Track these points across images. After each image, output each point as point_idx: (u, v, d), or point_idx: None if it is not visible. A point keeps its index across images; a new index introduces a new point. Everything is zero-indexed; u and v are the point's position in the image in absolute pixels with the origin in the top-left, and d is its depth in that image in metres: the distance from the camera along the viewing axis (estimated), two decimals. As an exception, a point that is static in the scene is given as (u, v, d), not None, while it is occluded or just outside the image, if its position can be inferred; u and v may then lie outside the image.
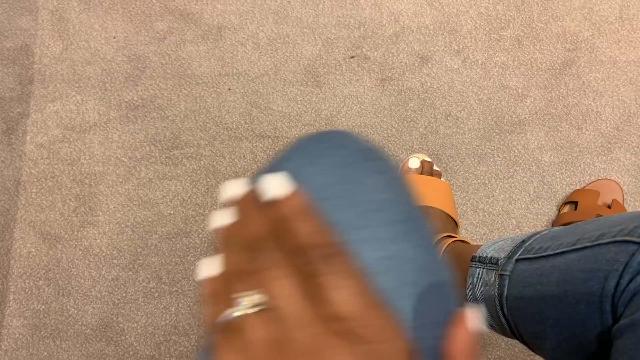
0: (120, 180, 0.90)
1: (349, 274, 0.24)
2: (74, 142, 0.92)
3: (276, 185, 0.26)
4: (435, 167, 0.86)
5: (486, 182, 0.88)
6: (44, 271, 0.87)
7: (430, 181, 0.82)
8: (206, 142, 0.91)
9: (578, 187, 0.86)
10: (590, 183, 0.86)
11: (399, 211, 0.28)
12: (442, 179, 0.85)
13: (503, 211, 0.87)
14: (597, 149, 0.89)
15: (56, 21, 0.98)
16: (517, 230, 0.86)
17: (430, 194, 0.81)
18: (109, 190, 0.90)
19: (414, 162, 0.84)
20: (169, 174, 0.90)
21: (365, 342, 0.22)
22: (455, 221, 0.81)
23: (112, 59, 0.96)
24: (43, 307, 0.86)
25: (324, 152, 0.28)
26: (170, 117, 0.92)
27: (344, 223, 0.26)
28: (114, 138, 0.92)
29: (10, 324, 0.85)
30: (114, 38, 0.97)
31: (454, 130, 0.90)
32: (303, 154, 0.28)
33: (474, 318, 0.26)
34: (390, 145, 0.89)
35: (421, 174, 0.83)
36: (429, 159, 0.85)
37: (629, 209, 0.86)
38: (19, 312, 0.85)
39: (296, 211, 0.25)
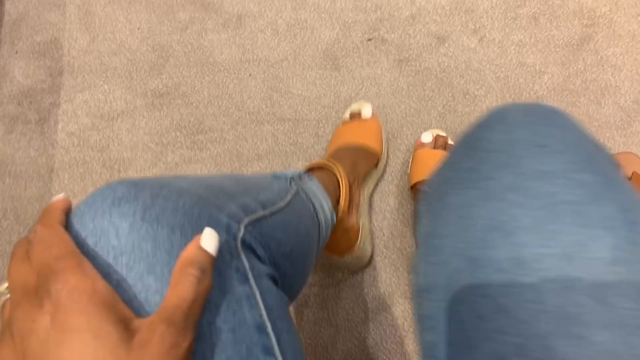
0: (148, 165, 0.93)
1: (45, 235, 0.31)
2: (103, 129, 0.96)
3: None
4: (450, 141, 0.87)
5: (505, 158, 0.89)
6: (77, 253, 0.91)
7: (439, 155, 0.83)
8: (229, 127, 0.94)
9: (598, 161, 0.87)
10: (610, 157, 0.86)
11: None
12: None
13: (522, 187, 0.88)
14: (617, 122, 0.89)
15: (83, 15, 1.02)
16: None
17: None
18: (137, 174, 0.93)
19: (426, 137, 0.86)
20: (194, 158, 0.93)
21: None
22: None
23: (137, 49, 0.99)
24: (78, 287, 0.89)
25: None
26: (194, 104, 0.95)
27: None
28: (141, 125, 0.95)
29: (48, 303, 0.89)
30: (138, 29, 1.00)
31: (472, 108, 0.91)
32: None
33: (205, 237, 0.32)
34: (408, 124, 0.91)
35: (434, 148, 0.84)
36: (443, 134, 0.86)
37: (650, 182, 0.86)
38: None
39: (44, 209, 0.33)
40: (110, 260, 0.31)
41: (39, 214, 0.34)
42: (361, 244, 0.79)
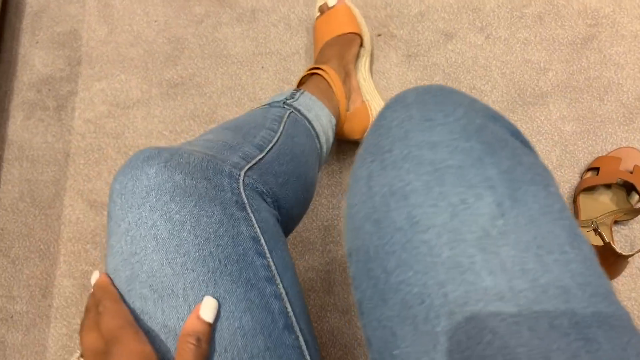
0: (162, 151, 0.96)
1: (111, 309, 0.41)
2: (118, 117, 0.98)
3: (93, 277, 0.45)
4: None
5: (509, 151, 0.91)
6: (91, 235, 0.93)
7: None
8: (241, 116, 0.96)
9: (600, 155, 0.89)
10: (612, 151, 0.88)
11: None
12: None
13: (526, 179, 0.90)
14: (619, 119, 0.91)
15: (102, 7, 1.05)
16: (540, 196, 0.89)
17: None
18: (151, 161, 0.96)
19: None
20: (207, 145, 0.95)
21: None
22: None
23: (154, 41, 1.02)
24: (90, 268, 0.92)
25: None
26: (207, 94, 0.98)
27: None
28: (156, 113, 0.98)
29: (61, 283, 0.91)
30: (155, 22, 1.03)
31: (478, 102, 0.93)
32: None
33: (204, 307, 0.40)
34: (416, 117, 0.93)
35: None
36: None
37: (651, 176, 0.88)
38: (68, 273, 0.91)
39: (97, 286, 0.44)
40: (144, 194, 0.44)
41: (94, 289, 0.44)
42: (375, 115, 0.85)
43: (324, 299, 0.86)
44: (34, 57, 1.03)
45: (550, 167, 0.90)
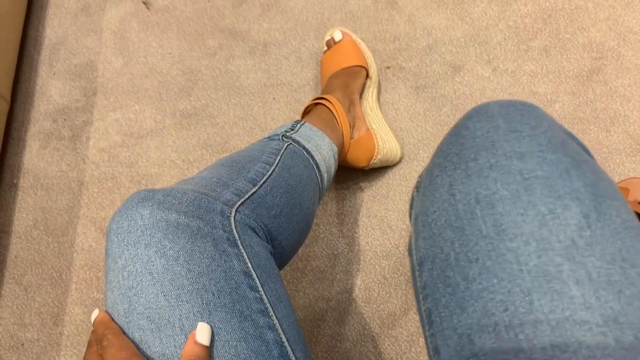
0: (174, 180, 0.97)
1: (116, 342, 0.42)
2: (132, 146, 1.00)
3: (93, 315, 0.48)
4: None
5: (518, 181, 0.92)
6: (103, 263, 0.94)
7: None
8: (253, 146, 0.98)
9: (608, 186, 0.90)
10: (620, 182, 0.89)
11: None
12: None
13: (535, 209, 0.90)
14: (626, 150, 0.92)
15: (118, 40, 1.08)
16: (549, 226, 0.89)
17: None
18: (163, 189, 0.97)
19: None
20: (219, 175, 0.97)
21: None
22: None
23: (168, 73, 1.05)
24: (102, 296, 0.92)
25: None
26: (220, 124, 1.00)
27: None
28: (169, 143, 1.00)
29: (72, 311, 0.91)
30: (170, 54, 1.06)
31: (486, 133, 0.95)
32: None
33: (199, 331, 0.42)
34: (425, 147, 0.95)
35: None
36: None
37: (660, 207, 0.88)
38: (80, 301, 0.92)
39: (97, 322, 0.46)
40: (139, 233, 0.46)
41: (95, 325, 0.47)
42: (381, 143, 0.88)
43: (335, 329, 0.86)
44: (51, 88, 1.06)
45: (558, 197, 0.91)
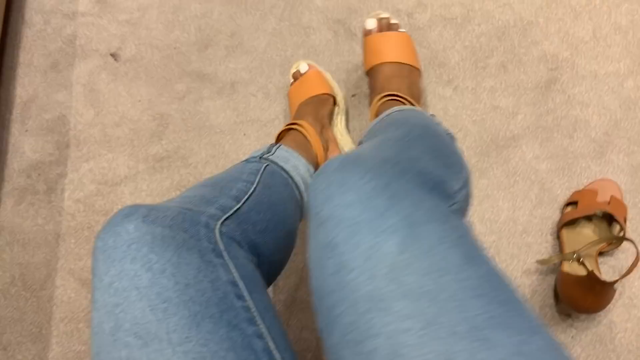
0: (150, 223, 0.97)
1: None
2: (107, 194, 1.01)
3: None
4: (393, 21, 0.94)
5: (489, 193, 0.93)
6: (83, 314, 0.93)
7: (384, 36, 0.92)
8: (226, 183, 0.99)
9: (577, 189, 0.91)
10: (588, 184, 0.91)
11: None
12: (400, 30, 0.95)
13: (509, 219, 0.91)
14: (591, 153, 0.95)
15: (88, 92, 1.10)
16: (524, 235, 0.90)
17: (386, 49, 0.91)
18: (140, 234, 0.97)
19: (370, 23, 0.93)
20: (194, 214, 0.97)
21: None
22: (417, 68, 0.92)
23: (138, 119, 1.06)
24: (84, 347, 0.91)
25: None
26: (192, 164, 1.01)
27: None
28: (143, 187, 1.01)
29: (54, 365, 0.90)
30: (139, 101, 1.08)
31: (453, 149, 0.97)
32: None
33: None
34: (395, 169, 0.96)
35: (379, 31, 0.92)
36: (385, 15, 0.95)
37: (630, 206, 0.90)
38: (62, 355, 0.90)
39: None
40: (125, 248, 0.46)
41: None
42: None
43: (320, 358, 0.85)
44: (24, 144, 1.07)
45: (530, 205, 0.92)
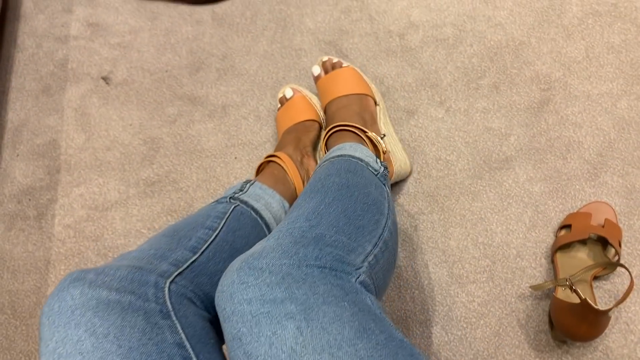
0: (141, 249, 0.96)
1: None
2: (97, 220, 1.00)
3: None
4: (334, 60, 0.97)
5: (482, 217, 0.92)
6: (72, 342, 0.92)
7: (330, 76, 0.94)
8: (217, 208, 0.98)
9: (571, 212, 0.90)
10: (582, 207, 0.90)
11: None
12: (344, 65, 0.97)
13: (502, 242, 0.90)
14: (584, 175, 0.93)
15: (79, 116, 1.10)
16: (518, 259, 0.89)
17: (332, 86, 0.93)
18: (130, 260, 0.96)
19: (315, 70, 0.97)
20: (185, 239, 0.96)
21: None
22: (365, 94, 0.93)
23: (129, 143, 1.06)
24: (72, 377, 0.89)
25: None
26: (184, 189, 1.01)
27: None
28: (134, 212, 1.00)
29: (42, 396, 0.88)
30: (130, 125, 1.08)
31: (446, 172, 0.96)
32: None
33: None
34: (387, 192, 0.95)
35: (326, 73, 0.95)
36: (326, 58, 0.97)
37: (624, 228, 0.89)
38: (50, 384, 0.89)
39: None
40: (69, 313, 0.47)
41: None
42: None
43: None
44: (15, 169, 1.06)
45: (523, 228, 0.91)
